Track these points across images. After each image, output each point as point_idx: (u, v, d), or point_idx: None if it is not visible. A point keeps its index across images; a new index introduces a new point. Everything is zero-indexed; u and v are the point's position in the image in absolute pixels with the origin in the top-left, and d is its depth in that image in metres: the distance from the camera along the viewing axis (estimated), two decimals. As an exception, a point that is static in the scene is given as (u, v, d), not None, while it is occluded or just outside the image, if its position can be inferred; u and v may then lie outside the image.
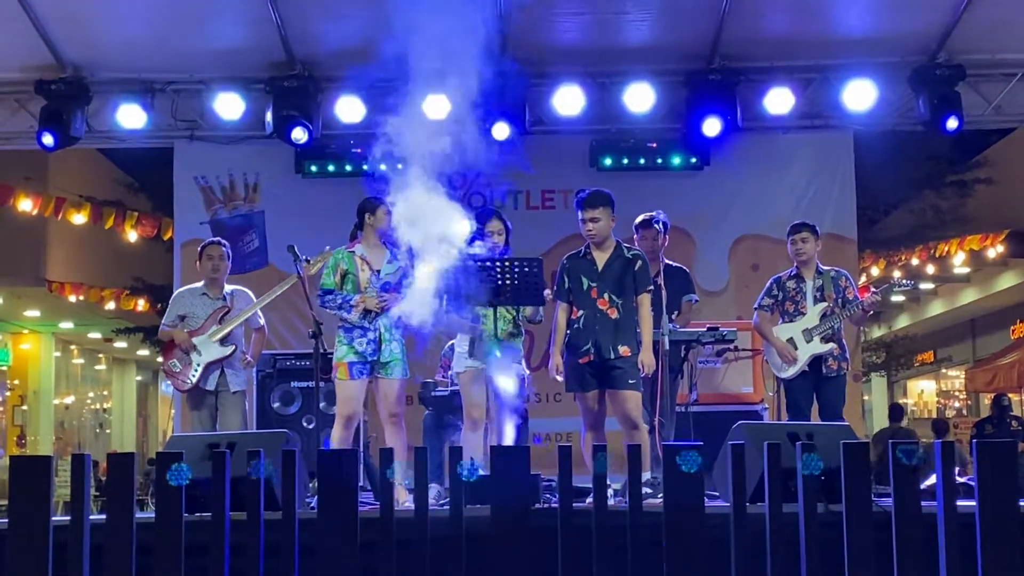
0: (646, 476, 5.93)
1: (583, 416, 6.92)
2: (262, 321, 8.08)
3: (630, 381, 6.71)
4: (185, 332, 7.78)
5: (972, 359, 21.99)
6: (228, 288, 8.00)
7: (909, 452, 4.08)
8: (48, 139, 9.56)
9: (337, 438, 6.92)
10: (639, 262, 6.91)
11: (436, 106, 7.76)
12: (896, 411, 16.74)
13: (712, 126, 9.50)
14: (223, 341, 7.78)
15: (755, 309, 7.93)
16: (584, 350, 6.79)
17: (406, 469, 6.46)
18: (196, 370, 7.71)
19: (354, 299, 6.96)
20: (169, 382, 8.01)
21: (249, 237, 10.66)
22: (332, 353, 7.90)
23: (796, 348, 7.59)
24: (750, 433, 5.46)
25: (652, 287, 6.96)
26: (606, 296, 6.79)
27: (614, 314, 6.78)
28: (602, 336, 6.74)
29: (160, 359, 10.05)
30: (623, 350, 6.72)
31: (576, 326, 6.86)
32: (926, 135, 10.75)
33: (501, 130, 9.16)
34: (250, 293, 8.06)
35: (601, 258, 6.88)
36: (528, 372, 7.21)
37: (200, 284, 8.01)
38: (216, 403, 7.79)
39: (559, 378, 6.93)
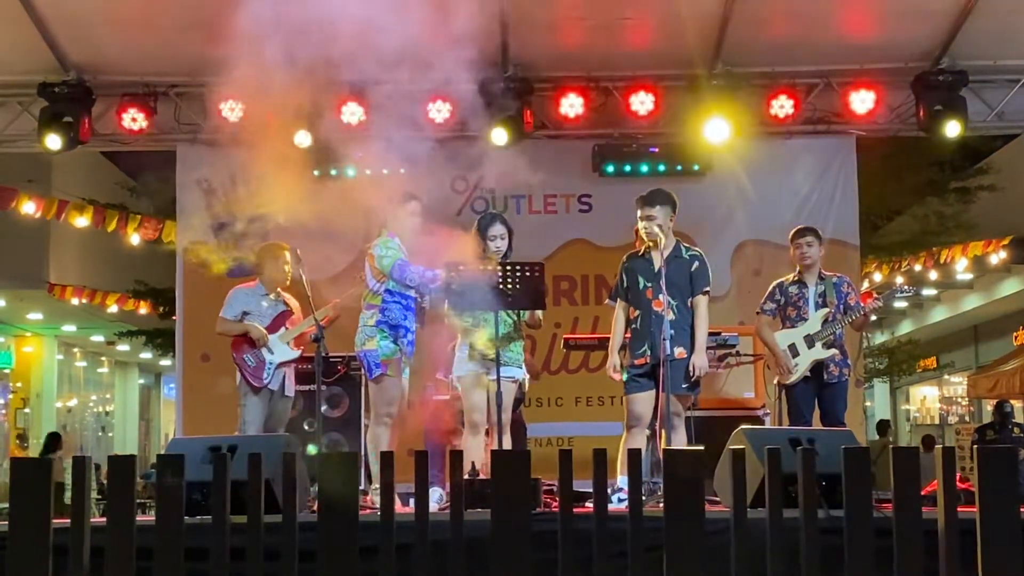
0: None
1: (628, 417, 6.81)
2: None
3: (683, 385, 6.66)
4: (262, 328, 7.70)
5: (975, 365, 21.96)
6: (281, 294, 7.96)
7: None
8: (51, 142, 9.58)
9: (385, 440, 6.69)
10: (696, 263, 6.86)
11: (438, 111, 7.79)
12: (883, 426, 16.97)
13: (716, 131, 9.51)
14: (292, 344, 7.77)
15: (757, 314, 7.92)
16: (640, 352, 6.76)
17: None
18: (269, 369, 7.67)
19: (440, 273, 6.68)
20: (241, 376, 7.70)
21: (252, 241, 10.61)
22: (335, 357, 7.86)
23: (798, 353, 7.58)
24: (751, 438, 5.45)
25: (709, 288, 6.90)
26: (661, 297, 6.67)
27: (670, 315, 6.68)
28: (658, 338, 6.65)
29: (163, 362, 9.95)
30: (678, 352, 6.66)
31: (634, 327, 6.84)
32: (929, 140, 10.75)
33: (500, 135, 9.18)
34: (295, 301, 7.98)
35: (659, 258, 6.77)
36: (528, 376, 7.19)
37: (255, 284, 7.93)
38: (271, 403, 7.73)
39: (617, 377, 6.87)
